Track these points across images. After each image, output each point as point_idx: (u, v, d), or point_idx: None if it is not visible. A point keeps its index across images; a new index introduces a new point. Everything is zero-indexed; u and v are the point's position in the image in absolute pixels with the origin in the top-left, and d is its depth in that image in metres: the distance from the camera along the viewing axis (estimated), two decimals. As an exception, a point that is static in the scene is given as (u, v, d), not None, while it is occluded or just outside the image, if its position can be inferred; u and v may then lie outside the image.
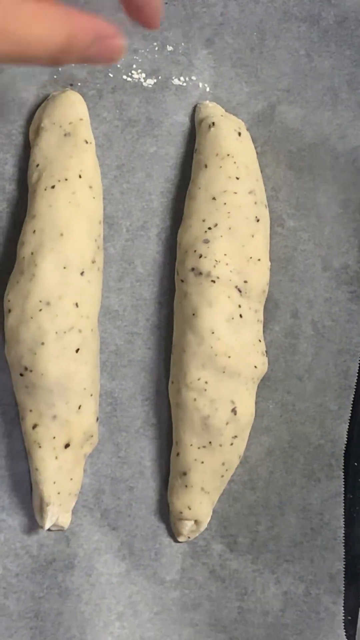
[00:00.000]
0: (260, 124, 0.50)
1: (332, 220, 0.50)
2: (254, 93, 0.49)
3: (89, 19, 0.37)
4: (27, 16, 0.35)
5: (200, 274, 0.46)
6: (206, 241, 0.46)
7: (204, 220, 0.47)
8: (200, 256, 0.46)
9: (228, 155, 0.47)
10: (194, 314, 0.46)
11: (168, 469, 0.48)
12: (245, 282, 0.47)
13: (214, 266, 0.46)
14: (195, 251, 0.47)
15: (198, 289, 0.46)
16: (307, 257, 0.50)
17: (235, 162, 0.47)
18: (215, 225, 0.46)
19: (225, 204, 0.47)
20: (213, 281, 0.46)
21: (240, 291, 0.47)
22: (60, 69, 0.49)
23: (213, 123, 0.47)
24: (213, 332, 0.46)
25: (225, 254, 0.46)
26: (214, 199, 0.47)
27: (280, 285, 0.50)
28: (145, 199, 0.49)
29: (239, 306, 0.46)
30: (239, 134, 0.48)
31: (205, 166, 0.47)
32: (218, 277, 0.46)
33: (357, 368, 0.50)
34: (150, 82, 0.49)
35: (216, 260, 0.46)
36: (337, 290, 0.50)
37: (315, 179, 0.50)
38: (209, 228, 0.47)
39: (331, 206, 0.50)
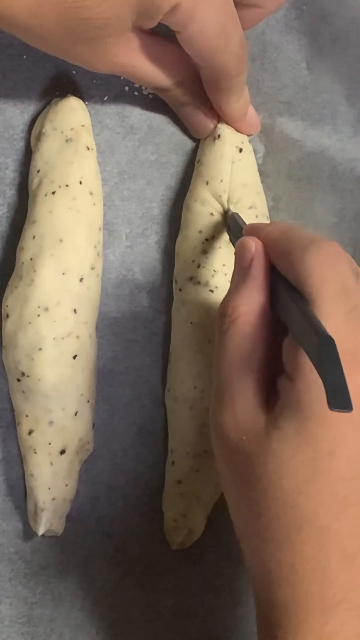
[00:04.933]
0: (262, 135, 0.50)
1: (328, 230, 0.51)
2: (255, 104, 0.49)
3: (196, 85, 0.46)
4: (148, 57, 0.43)
5: (199, 283, 0.47)
6: (204, 252, 0.47)
7: (200, 232, 0.47)
8: (199, 266, 0.47)
9: (223, 180, 0.47)
10: (192, 323, 0.47)
11: (163, 476, 0.48)
12: None
13: (212, 276, 0.46)
14: (193, 261, 0.47)
15: (196, 297, 0.47)
16: (305, 267, 0.50)
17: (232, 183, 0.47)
18: (213, 237, 0.47)
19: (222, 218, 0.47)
20: (211, 290, 0.46)
21: None
22: (62, 77, 0.49)
23: (219, 136, 0.48)
24: (210, 341, 0.46)
25: (224, 264, 0.46)
26: (211, 214, 0.47)
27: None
28: (146, 206, 0.49)
29: None
30: (240, 150, 0.48)
31: (207, 183, 0.47)
32: (217, 287, 0.46)
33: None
34: (151, 90, 0.49)
35: (214, 270, 0.46)
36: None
37: (314, 189, 0.51)
38: (207, 239, 0.47)
39: (328, 215, 0.51)
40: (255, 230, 0.39)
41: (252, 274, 0.37)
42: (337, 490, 0.33)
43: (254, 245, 0.38)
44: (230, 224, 0.45)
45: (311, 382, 0.33)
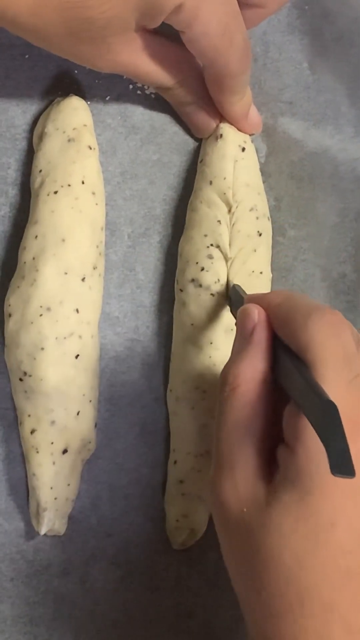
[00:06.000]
0: (264, 134, 0.50)
1: (330, 230, 0.51)
2: (257, 104, 0.49)
3: (199, 85, 0.46)
4: (151, 57, 0.43)
5: (200, 286, 0.46)
6: (210, 257, 0.46)
7: (205, 235, 0.47)
8: (202, 269, 0.46)
9: (226, 178, 0.47)
10: (192, 324, 0.47)
11: (165, 476, 0.48)
12: None
13: (215, 282, 0.46)
14: (197, 263, 0.47)
15: (197, 300, 0.46)
16: (307, 266, 0.50)
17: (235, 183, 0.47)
18: (217, 245, 0.46)
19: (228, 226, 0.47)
20: (212, 294, 0.46)
21: None
22: (64, 77, 0.49)
23: (221, 135, 0.47)
24: (211, 343, 0.46)
25: (226, 274, 0.46)
26: (219, 221, 0.46)
27: (281, 295, 0.50)
28: (148, 206, 0.49)
29: None
30: (243, 149, 0.48)
31: (210, 183, 0.47)
32: (217, 292, 0.46)
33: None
34: (153, 90, 0.49)
35: (218, 279, 0.46)
36: (335, 299, 0.50)
37: (316, 188, 0.51)
38: (211, 244, 0.46)
39: (329, 215, 0.51)
40: (257, 298, 0.39)
41: (254, 341, 0.37)
42: (340, 562, 0.33)
43: (256, 312, 0.38)
44: (232, 295, 0.45)
45: (312, 453, 0.32)
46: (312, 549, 0.33)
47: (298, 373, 0.33)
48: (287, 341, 0.36)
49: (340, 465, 0.28)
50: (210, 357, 0.46)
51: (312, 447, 0.32)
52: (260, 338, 0.37)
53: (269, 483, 0.35)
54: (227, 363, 0.38)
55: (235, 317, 0.43)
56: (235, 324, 0.39)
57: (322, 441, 0.29)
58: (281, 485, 0.34)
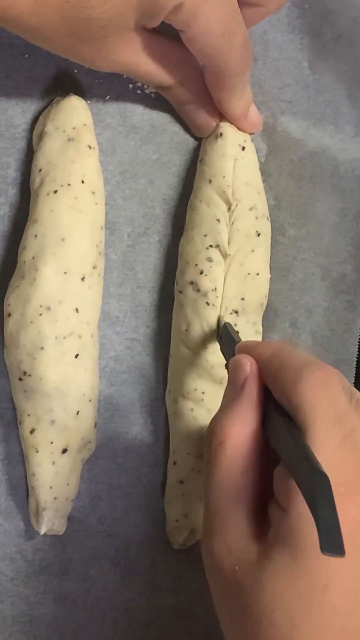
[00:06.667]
0: (264, 134, 0.50)
1: (330, 229, 0.51)
2: (257, 103, 0.49)
3: (199, 84, 0.46)
4: (150, 56, 0.44)
5: (198, 291, 0.46)
6: (210, 260, 0.46)
7: (205, 235, 0.47)
8: (201, 272, 0.46)
9: (225, 176, 0.47)
10: (186, 330, 0.46)
11: (165, 476, 0.48)
12: (243, 299, 0.46)
13: (212, 290, 0.46)
14: (196, 265, 0.46)
15: (194, 305, 0.46)
16: (306, 266, 0.50)
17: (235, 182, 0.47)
18: (217, 245, 0.46)
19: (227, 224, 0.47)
20: (207, 303, 0.46)
21: (237, 312, 0.46)
22: (64, 76, 0.49)
23: (221, 134, 0.47)
24: (207, 348, 0.46)
25: (224, 283, 0.46)
26: (218, 220, 0.46)
27: (280, 294, 0.50)
28: (147, 206, 0.49)
29: (235, 325, 0.46)
30: (243, 148, 0.48)
31: (210, 182, 0.47)
32: (213, 305, 0.46)
33: (354, 379, 0.50)
34: (153, 89, 0.49)
35: (215, 287, 0.46)
36: (335, 299, 0.50)
37: (315, 188, 0.51)
38: (210, 246, 0.46)
39: (329, 215, 0.51)
40: (248, 348, 0.39)
41: (245, 394, 0.36)
42: (333, 624, 0.32)
43: (248, 365, 0.37)
44: (223, 335, 0.45)
45: (304, 514, 0.32)
46: (305, 610, 0.32)
47: (289, 435, 0.33)
48: (277, 396, 0.35)
49: (330, 543, 0.28)
50: (207, 360, 0.46)
51: (304, 509, 0.32)
52: (251, 391, 0.36)
53: (260, 541, 0.34)
54: (216, 414, 0.37)
55: (224, 357, 0.43)
56: (226, 366, 0.39)
57: (312, 513, 0.29)
58: (273, 545, 0.33)
